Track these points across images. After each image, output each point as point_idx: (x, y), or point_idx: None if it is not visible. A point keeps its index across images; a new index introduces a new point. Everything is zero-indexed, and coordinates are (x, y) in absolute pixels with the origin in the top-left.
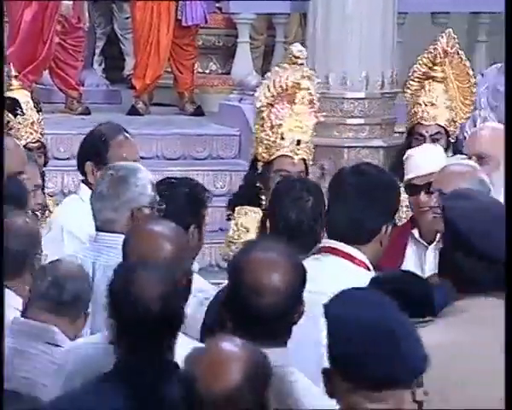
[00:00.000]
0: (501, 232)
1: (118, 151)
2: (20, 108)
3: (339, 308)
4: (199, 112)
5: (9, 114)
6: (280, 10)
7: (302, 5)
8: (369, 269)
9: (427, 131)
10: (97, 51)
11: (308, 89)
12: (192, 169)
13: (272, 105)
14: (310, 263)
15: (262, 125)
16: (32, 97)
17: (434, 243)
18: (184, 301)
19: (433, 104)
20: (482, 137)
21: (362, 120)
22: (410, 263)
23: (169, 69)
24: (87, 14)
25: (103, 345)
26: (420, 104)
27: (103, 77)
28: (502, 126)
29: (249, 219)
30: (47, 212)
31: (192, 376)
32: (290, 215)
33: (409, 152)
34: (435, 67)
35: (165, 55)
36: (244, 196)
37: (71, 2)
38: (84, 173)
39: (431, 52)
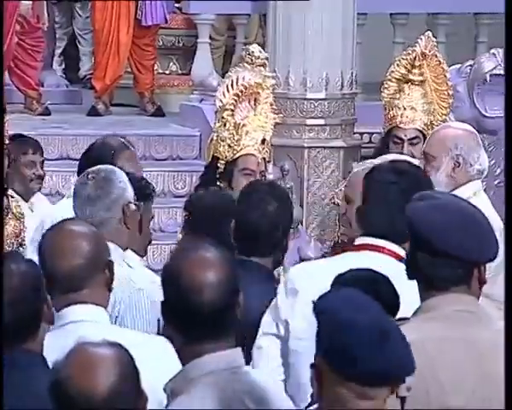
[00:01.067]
0: (459, 229)
1: (125, 164)
2: None
3: (330, 304)
4: (159, 112)
5: None
6: (240, 11)
7: (262, 6)
8: None
9: (405, 135)
10: (58, 52)
11: (269, 89)
12: (153, 170)
13: (235, 105)
14: (350, 259)
15: (224, 125)
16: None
17: None
18: (109, 292)
19: (412, 108)
20: (431, 138)
21: (322, 121)
22: None
23: (129, 69)
24: (46, 15)
25: None
26: (399, 108)
27: (63, 77)
28: (462, 127)
29: None
30: (10, 213)
31: (60, 379)
32: (249, 217)
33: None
34: (414, 70)
35: (124, 55)
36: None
37: (30, 3)
38: None
39: (409, 54)
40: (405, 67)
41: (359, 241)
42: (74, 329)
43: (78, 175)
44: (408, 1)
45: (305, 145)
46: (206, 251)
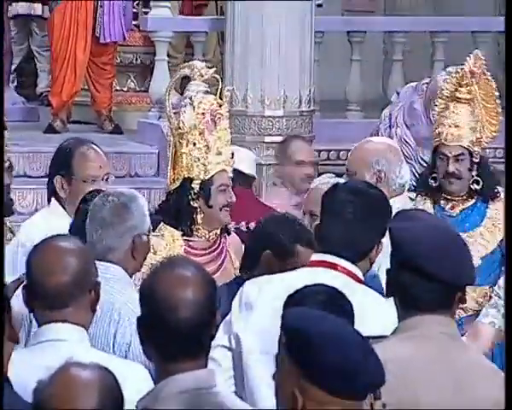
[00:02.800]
0: (449, 253)
1: (81, 161)
2: None
3: (299, 321)
4: (117, 130)
5: None
6: (197, 29)
7: (220, 24)
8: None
9: (450, 152)
10: (11, 68)
11: (226, 103)
12: (110, 187)
13: (201, 124)
14: (305, 275)
15: (194, 145)
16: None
17: None
18: (93, 313)
19: (456, 126)
20: (352, 154)
21: (280, 138)
22: None
23: (86, 87)
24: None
25: None
26: (444, 125)
27: (17, 94)
28: (382, 141)
29: (164, 243)
30: None
31: (43, 399)
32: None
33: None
34: (461, 89)
35: (81, 72)
36: (174, 216)
37: None
38: (53, 189)
39: (458, 72)
40: (454, 85)
41: (315, 257)
42: (52, 347)
43: (50, 183)
44: (363, 20)
45: (263, 162)
46: (184, 269)
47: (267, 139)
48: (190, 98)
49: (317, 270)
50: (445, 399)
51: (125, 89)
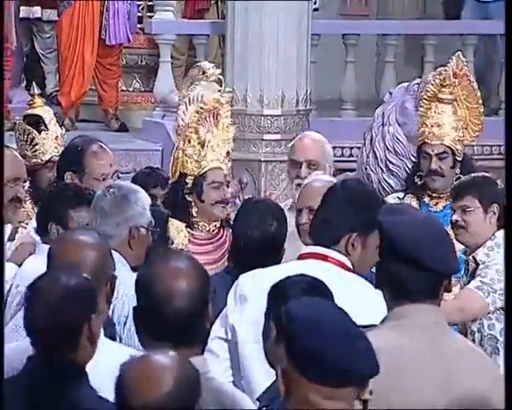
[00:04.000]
0: (434, 244)
1: (93, 159)
2: (44, 124)
3: (298, 310)
4: (123, 128)
5: (34, 131)
6: (200, 32)
7: (221, 27)
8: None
9: (432, 150)
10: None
11: (228, 103)
12: (114, 180)
13: (197, 122)
14: (297, 268)
15: (189, 142)
16: (54, 114)
17: None
18: (108, 305)
19: (439, 125)
20: (306, 146)
21: (278, 136)
22: None
23: (94, 87)
24: (14, 34)
25: None
26: (426, 125)
27: (28, 94)
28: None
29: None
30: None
31: (124, 384)
32: (253, 237)
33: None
34: (443, 89)
35: (89, 73)
36: (172, 210)
37: None
38: None
39: (441, 74)
40: (437, 86)
41: (306, 250)
42: None
43: (59, 179)
44: (358, 24)
45: (262, 159)
46: (178, 261)
47: (266, 137)
48: (187, 97)
49: (310, 262)
50: (433, 389)
51: (131, 89)
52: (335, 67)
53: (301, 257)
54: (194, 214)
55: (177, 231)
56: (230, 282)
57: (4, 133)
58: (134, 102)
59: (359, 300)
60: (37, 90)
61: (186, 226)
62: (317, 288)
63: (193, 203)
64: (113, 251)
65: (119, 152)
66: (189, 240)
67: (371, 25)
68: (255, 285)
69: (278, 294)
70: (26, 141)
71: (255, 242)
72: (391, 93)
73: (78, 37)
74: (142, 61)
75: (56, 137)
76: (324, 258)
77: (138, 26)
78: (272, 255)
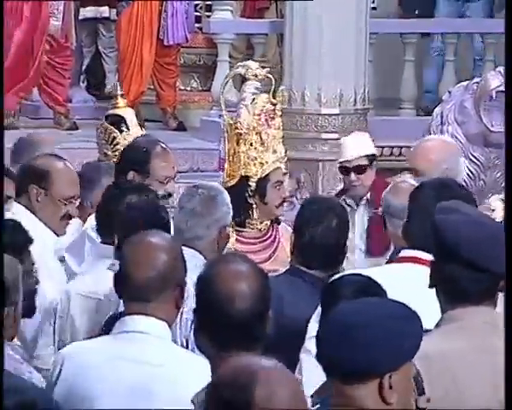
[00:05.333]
0: (491, 244)
1: (158, 161)
2: (126, 124)
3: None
4: (181, 127)
5: (116, 130)
6: (258, 31)
7: (279, 26)
8: None
9: None
10: (82, 69)
11: (280, 102)
12: (174, 181)
13: (258, 124)
14: (392, 272)
15: (251, 145)
16: (136, 115)
17: (359, 206)
18: (177, 309)
19: None
20: (414, 154)
21: (336, 135)
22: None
23: (152, 86)
24: (74, 34)
25: None
26: None
27: (88, 93)
28: (442, 139)
29: None
30: None
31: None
32: (315, 236)
33: (342, 139)
34: None
35: (147, 72)
36: (234, 213)
37: (59, 23)
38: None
39: None
40: None
41: (403, 253)
42: (131, 338)
43: (120, 177)
44: (416, 22)
45: (320, 158)
46: (241, 263)
47: (323, 136)
48: (244, 99)
49: (406, 266)
50: (487, 391)
51: (189, 88)
52: (393, 66)
53: (401, 260)
54: (256, 216)
55: None
56: (298, 282)
57: (4, 134)
58: (192, 101)
59: None
60: (120, 91)
61: (234, 225)
62: (370, 288)
63: (254, 205)
64: (198, 254)
65: (177, 151)
66: (236, 239)
67: (430, 23)
68: None
69: (332, 291)
70: (108, 140)
71: (319, 241)
72: (450, 92)
73: (137, 36)
74: (200, 60)
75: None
76: (417, 260)
77: (196, 25)
78: (335, 254)
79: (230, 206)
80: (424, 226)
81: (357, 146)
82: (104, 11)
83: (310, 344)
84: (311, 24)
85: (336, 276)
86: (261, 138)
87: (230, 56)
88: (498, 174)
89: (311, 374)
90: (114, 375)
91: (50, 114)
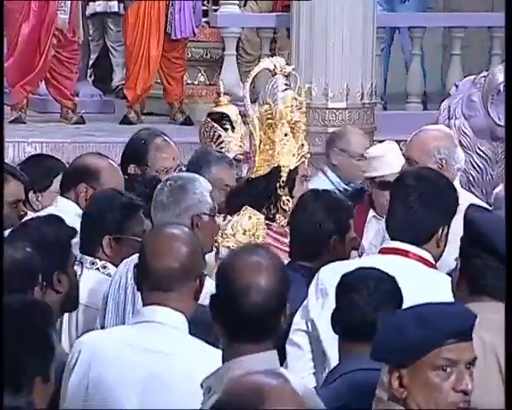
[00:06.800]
0: None
1: (157, 153)
2: (230, 122)
3: None
4: (188, 121)
5: (221, 129)
6: (264, 25)
7: (286, 20)
8: (432, 266)
9: None
10: (89, 63)
11: (303, 99)
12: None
13: (290, 119)
14: (373, 263)
15: (285, 135)
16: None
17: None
18: (195, 301)
19: None
20: (409, 144)
21: None
22: (371, 234)
23: (159, 80)
24: (81, 29)
25: None
26: None
27: (95, 88)
28: (437, 129)
29: (249, 223)
30: None
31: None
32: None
33: (371, 151)
34: None
35: (154, 66)
36: (260, 201)
37: (67, 17)
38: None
39: None
40: None
41: (386, 244)
42: (148, 328)
43: (122, 172)
44: (424, 16)
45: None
46: (261, 256)
47: (330, 130)
48: (276, 92)
49: (392, 258)
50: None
51: (196, 82)
52: (401, 60)
53: (382, 252)
54: (285, 208)
55: (258, 222)
56: (299, 278)
57: (4, 135)
58: (199, 95)
59: (439, 296)
60: (222, 89)
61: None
62: (385, 282)
63: (284, 198)
64: None
65: (184, 145)
66: (266, 232)
67: (437, 17)
68: (336, 279)
69: (347, 284)
70: (212, 138)
71: (300, 229)
72: (457, 86)
73: (144, 31)
74: (207, 54)
75: (242, 136)
76: (405, 254)
77: (203, 19)
78: (317, 243)
79: (206, 194)
80: (404, 218)
81: (396, 161)
82: (113, 5)
83: (295, 336)
84: (317, 18)
85: (347, 271)
86: (293, 130)
87: (246, 52)
88: None
89: (295, 366)
90: (129, 363)
91: (58, 108)
